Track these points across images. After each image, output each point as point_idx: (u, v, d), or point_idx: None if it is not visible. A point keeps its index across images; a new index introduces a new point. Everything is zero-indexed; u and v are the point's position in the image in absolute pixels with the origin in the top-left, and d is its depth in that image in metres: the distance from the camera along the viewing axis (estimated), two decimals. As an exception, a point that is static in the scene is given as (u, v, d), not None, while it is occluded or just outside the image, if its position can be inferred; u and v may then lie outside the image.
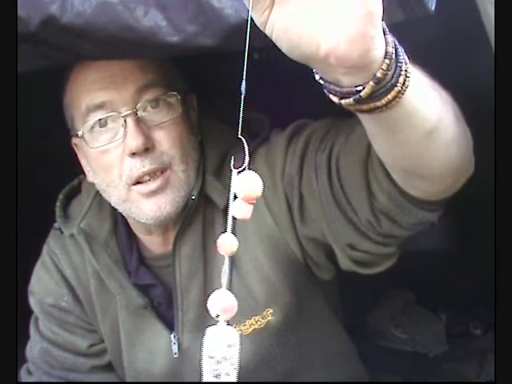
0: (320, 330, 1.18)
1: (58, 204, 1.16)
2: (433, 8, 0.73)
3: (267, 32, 0.59)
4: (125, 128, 0.97)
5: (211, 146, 1.09)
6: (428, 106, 0.70)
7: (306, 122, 1.04)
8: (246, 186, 0.59)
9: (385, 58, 0.59)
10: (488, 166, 0.72)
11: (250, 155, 1.05)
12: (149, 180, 0.99)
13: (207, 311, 1.08)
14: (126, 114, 0.97)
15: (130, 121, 0.97)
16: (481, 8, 0.73)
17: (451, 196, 0.85)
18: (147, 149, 0.97)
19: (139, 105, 0.98)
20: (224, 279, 0.61)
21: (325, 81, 0.63)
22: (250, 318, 1.08)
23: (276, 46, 0.60)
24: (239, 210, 0.59)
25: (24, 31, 0.78)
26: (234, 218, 0.60)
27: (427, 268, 1.76)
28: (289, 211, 1.01)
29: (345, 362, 1.25)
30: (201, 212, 1.07)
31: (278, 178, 1.01)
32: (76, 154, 1.09)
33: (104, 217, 1.13)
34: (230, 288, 1.05)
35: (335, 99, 0.64)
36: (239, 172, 0.60)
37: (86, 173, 1.09)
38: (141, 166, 0.98)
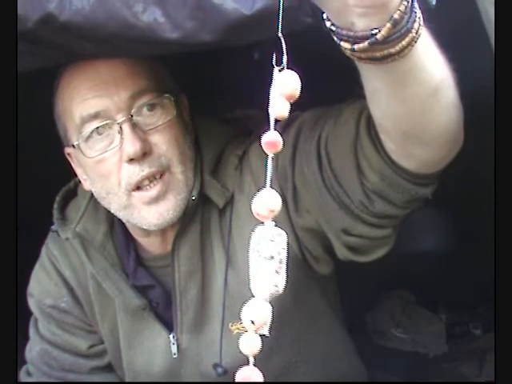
0: (317, 326, 1.18)
1: (55, 206, 1.16)
2: (433, 2, 0.73)
3: None
4: (121, 135, 0.97)
5: (207, 145, 1.09)
6: (434, 63, 0.69)
7: (297, 114, 1.03)
8: (287, 84, 0.57)
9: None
10: (488, 165, 0.72)
11: (244, 151, 1.07)
12: (148, 185, 0.99)
13: (205, 311, 1.09)
14: (121, 120, 0.96)
15: (126, 127, 0.96)
16: (481, 8, 0.73)
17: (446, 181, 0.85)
18: (145, 153, 0.97)
19: (134, 110, 0.97)
20: (268, 180, 0.62)
21: (337, 27, 0.62)
22: None
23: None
24: (279, 107, 0.58)
25: (22, 29, 0.78)
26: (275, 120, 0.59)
27: (427, 268, 1.76)
28: (283, 203, 1.01)
29: (343, 359, 1.25)
30: (199, 212, 1.07)
31: (274, 176, 1.01)
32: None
33: (100, 219, 1.13)
34: (226, 286, 1.06)
35: (347, 45, 0.62)
36: (280, 70, 0.58)
37: (83, 181, 1.08)
38: (140, 170, 0.98)
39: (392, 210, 0.89)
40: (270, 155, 0.61)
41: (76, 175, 1.11)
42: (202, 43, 0.79)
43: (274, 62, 0.58)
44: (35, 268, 1.23)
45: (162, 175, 1.00)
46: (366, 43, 0.61)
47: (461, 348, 1.76)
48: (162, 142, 0.99)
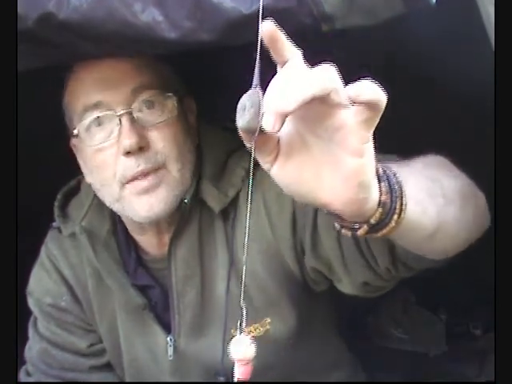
0: (316, 341, 1.18)
1: (56, 204, 1.16)
2: (434, 0, 0.73)
3: (270, 174, 0.63)
4: (120, 127, 0.97)
5: (210, 152, 1.08)
6: (426, 216, 0.70)
7: None
8: (240, 350, 0.66)
9: (378, 206, 0.63)
10: (487, 165, 0.72)
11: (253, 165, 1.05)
12: (142, 179, 0.99)
13: (205, 314, 1.09)
14: (120, 113, 0.97)
15: (125, 120, 0.97)
16: (481, 8, 0.73)
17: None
18: (142, 148, 0.97)
19: (134, 105, 0.98)
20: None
21: (327, 211, 0.66)
22: (250, 326, 1.07)
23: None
24: (238, 371, 0.65)
25: (22, 28, 0.78)
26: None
27: (427, 268, 1.75)
28: (293, 229, 1.00)
29: (341, 370, 1.26)
30: (197, 216, 1.06)
31: (287, 198, 0.98)
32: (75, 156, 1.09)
33: (104, 217, 1.13)
34: (228, 291, 1.06)
35: (336, 225, 0.68)
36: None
37: (84, 175, 1.09)
38: (135, 165, 0.97)
39: (408, 273, 0.92)
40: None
41: (79, 173, 1.11)
42: (201, 42, 0.79)
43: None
44: (35, 267, 1.23)
45: (156, 170, 0.99)
46: (349, 233, 0.67)
47: (461, 348, 1.76)
48: (159, 138, 0.99)
